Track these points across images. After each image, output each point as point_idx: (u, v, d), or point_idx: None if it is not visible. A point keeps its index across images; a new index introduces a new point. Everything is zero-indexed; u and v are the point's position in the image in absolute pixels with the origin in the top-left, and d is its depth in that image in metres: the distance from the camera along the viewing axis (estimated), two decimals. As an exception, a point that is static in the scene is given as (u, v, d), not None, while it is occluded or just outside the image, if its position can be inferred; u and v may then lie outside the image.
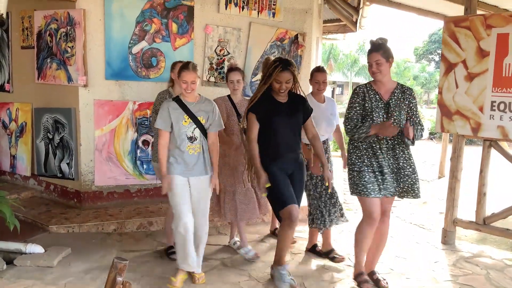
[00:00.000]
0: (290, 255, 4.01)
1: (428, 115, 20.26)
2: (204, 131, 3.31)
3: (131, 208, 4.92)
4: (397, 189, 3.26)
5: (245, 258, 3.91)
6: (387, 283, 3.41)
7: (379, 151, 3.22)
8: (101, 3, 4.65)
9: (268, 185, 3.12)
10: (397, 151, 3.25)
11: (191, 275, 3.42)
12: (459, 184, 4.46)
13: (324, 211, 3.87)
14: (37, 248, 3.78)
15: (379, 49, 3.18)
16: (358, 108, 3.25)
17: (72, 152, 4.89)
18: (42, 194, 5.36)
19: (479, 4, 4.52)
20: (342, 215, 3.98)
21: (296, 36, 5.50)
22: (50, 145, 5.12)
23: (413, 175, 3.26)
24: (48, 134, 5.12)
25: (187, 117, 3.25)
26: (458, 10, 4.73)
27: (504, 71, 3.90)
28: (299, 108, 3.33)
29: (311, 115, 3.45)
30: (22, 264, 3.60)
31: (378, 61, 3.16)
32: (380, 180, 3.22)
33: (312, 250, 4.08)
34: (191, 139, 3.25)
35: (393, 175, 3.25)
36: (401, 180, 3.25)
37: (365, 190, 3.19)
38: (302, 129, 3.42)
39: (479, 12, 4.42)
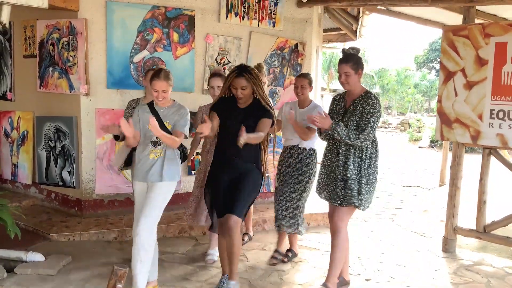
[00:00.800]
0: (291, 264, 4.01)
1: (429, 123, 20.31)
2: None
3: (131, 216, 4.88)
4: (332, 195, 3.32)
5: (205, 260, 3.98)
6: None
7: (331, 154, 3.35)
8: (103, 12, 4.70)
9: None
10: (347, 160, 3.26)
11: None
12: (459, 192, 4.47)
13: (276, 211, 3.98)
14: (37, 256, 3.78)
15: (348, 60, 3.22)
16: (329, 113, 3.39)
17: (73, 161, 4.91)
18: (43, 202, 5.37)
19: (477, 13, 4.55)
20: (293, 224, 3.91)
21: (296, 45, 5.54)
22: (51, 153, 5.14)
23: (340, 183, 3.25)
24: (50, 142, 5.14)
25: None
26: (456, 19, 4.77)
27: (503, 79, 3.93)
28: (255, 115, 3.29)
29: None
30: (23, 272, 3.60)
31: (347, 72, 3.22)
32: (323, 183, 3.41)
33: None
34: (155, 143, 3.21)
35: (332, 181, 3.31)
36: (343, 189, 3.25)
37: (316, 187, 3.50)
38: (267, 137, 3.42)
39: (477, 21, 4.46)
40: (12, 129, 5.63)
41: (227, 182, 3.30)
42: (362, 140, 3.16)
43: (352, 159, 3.23)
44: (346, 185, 3.22)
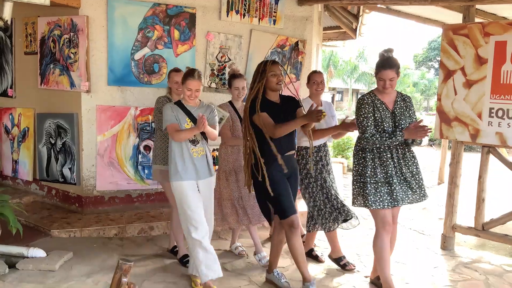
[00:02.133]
0: (290, 260, 4.03)
1: (428, 122, 20.32)
2: (205, 135, 3.35)
3: (132, 213, 4.95)
4: (407, 197, 3.27)
5: (260, 265, 3.91)
6: None
7: (390, 160, 3.22)
8: (104, 10, 4.71)
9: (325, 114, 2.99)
10: (408, 158, 3.29)
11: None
12: (458, 190, 4.49)
13: (317, 213, 3.86)
14: (39, 252, 3.80)
15: (393, 66, 3.18)
16: (372, 117, 3.23)
17: (74, 157, 4.93)
18: (44, 198, 5.38)
19: (477, 12, 4.58)
20: (344, 216, 3.84)
21: (297, 43, 5.56)
22: (52, 150, 5.16)
23: (420, 181, 3.32)
24: (51, 139, 5.15)
25: (189, 120, 3.29)
26: (456, 18, 4.78)
27: (502, 78, 3.95)
28: (292, 107, 3.39)
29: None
30: (24, 267, 3.62)
31: (393, 78, 3.19)
32: (386, 191, 3.21)
33: (309, 254, 4.07)
34: (194, 142, 3.29)
35: (403, 184, 3.26)
36: (412, 186, 3.28)
37: (366, 201, 3.21)
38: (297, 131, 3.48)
39: (477, 20, 4.48)
40: (13, 126, 5.64)
41: (286, 181, 3.32)
42: None
43: (415, 157, 3.34)
44: (423, 180, 3.34)
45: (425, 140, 16.93)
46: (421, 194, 3.32)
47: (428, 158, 12.25)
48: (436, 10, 5.21)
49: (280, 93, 3.43)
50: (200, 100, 3.41)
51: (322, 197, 3.86)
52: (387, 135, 3.16)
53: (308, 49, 5.66)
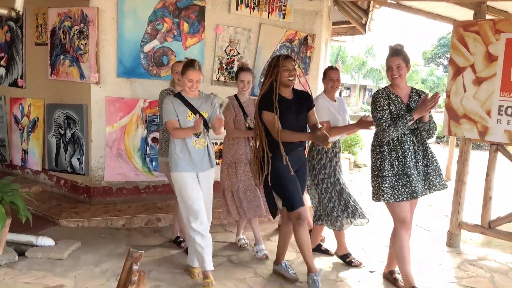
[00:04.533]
0: (296, 254, 4.06)
1: (435, 119, 20.22)
2: (207, 125, 3.36)
3: (139, 204, 4.99)
4: (425, 187, 3.33)
5: (257, 257, 3.96)
6: (402, 281, 3.43)
7: (407, 151, 3.24)
8: (115, 2, 4.73)
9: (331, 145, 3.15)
10: (422, 150, 3.33)
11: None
12: (465, 187, 4.49)
13: (329, 210, 3.84)
14: (47, 241, 3.86)
15: (400, 53, 3.25)
16: (388, 111, 3.25)
17: (83, 148, 4.98)
18: (52, 188, 5.45)
19: (488, 9, 4.54)
20: (357, 216, 3.82)
21: (306, 38, 5.55)
22: (61, 140, 5.21)
23: (438, 170, 3.35)
24: (60, 129, 5.20)
25: (191, 112, 3.29)
26: (467, 14, 4.76)
27: (512, 76, 3.93)
28: (304, 104, 3.39)
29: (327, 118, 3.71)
30: (33, 256, 3.68)
31: (399, 65, 3.23)
32: (404, 183, 3.22)
33: (317, 249, 4.11)
34: (196, 134, 3.29)
35: (420, 174, 3.30)
36: (429, 176, 3.32)
37: (385, 195, 3.23)
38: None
39: (488, 17, 4.45)
40: (22, 116, 5.70)
41: (295, 174, 3.31)
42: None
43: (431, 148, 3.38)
44: (441, 170, 3.37)
45: (433, 137, 16.85)
46: (434, 184, 3.33)
47: (436, 155, 12.20)
48: (447, 6, 5.18)
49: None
50: (199, 91, 3.39)
51: (335, 194, 3.83)
52: (399, 121, 3.18)
53: (317, 43, 5.65)
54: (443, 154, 9.01)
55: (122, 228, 4.51)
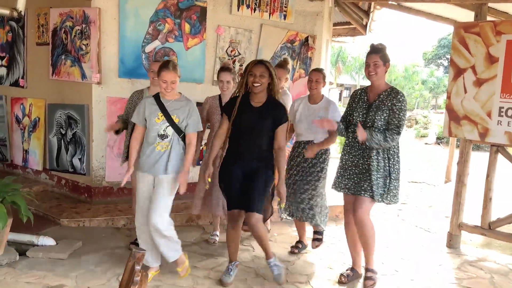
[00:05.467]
0: (297, 254, 4.08)
1: (436, 120, 20.26)
2: (178, 130, 3.27)
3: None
4: (351, 188, 3.40)
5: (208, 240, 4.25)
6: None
7: (353, 149, 3.40)
8: (116, 2, 4.74)
9: (209, 180, 3.39)
10: (371, 154, 3.32)
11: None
12: (465, 188, 4.49)
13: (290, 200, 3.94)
14: (48, 241, 3.86)
15: (378, 51, 3.30)
16: (348, 109, 3.50)
17: (84, 148, 4.98)
18: (53, 188, 5.45)
19: (489, 10, 4.55)
20: (313, 217, 3.92)
21: (307, 39, 5.56)
22: (62, 140, 5.22)
23: (381, 180, 3.32)
24: (61, 129, 5.21)
25: (161, 114, 3.24)
26: (468, 16, 4.77)
27: (513, 78, 3.94)
28: (270, 114, 3.28)
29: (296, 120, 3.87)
30: (34, 255, 3.68)
31: (376, 62, 3.28)
32: (342, 177, 3.48)
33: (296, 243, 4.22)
34: (162, 136, 3.25)
35: (357, 174, 3.38)
36: (367, 181, 3.33)
37: (333, 183, 3.56)
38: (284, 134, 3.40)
39: (489, 18, 4.46)
40: (24, 116, 5.70)
41: (240, 176, 3.32)
42: (397, 140, 3.27)
43: (381, 155, 3.33)
44: (388, 182, 3.35)
45: (433, 138, 16.82)
46: (385, 199, 3.37)
47: (436, 156, 12.22)
48: (447, 7, 5.19)
49: (278, 97, 3.34)
50: (180, 93, 3.36)
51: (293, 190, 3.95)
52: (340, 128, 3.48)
53: (318, 44, 5.66)
54: (443, 155, 9.02)
55: (123, 228, 4.52)
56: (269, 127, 3.30)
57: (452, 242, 4.52)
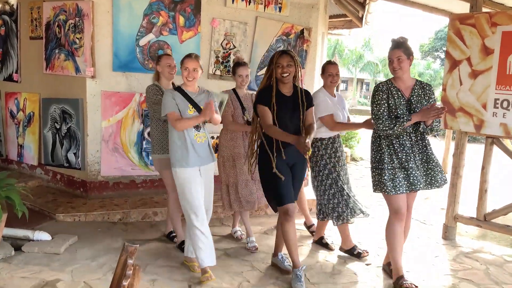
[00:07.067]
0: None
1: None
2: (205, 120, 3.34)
3: (136, 198, 4.99)
4: (422, 182, 3.32)
5: (246, 247, 4.01)
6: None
7: (401, 147, 3.26)
8: (110, -5, 4.70)
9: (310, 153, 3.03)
10: (421, 146, 3.33)
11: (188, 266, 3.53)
12: (461, 180, 4.50)
13: (333, 206, 3.86)
14: (44, 236, 3.85)
15: (400, 46, 3.24)
16: (385, 105, 3.27)
17: (79, 142, 4.96)
18: (48, 183, 5.44)
19: (484, 1, 4.53)
20: (358, 212, 3.87)
21: (302, 31, 5.54)
22: (57, 135, 5.19)
23: (437, 167, 3.35)
24: (56, 124, 5.18)
25: (191, 106, 3.28)
26: (463, 7, 4.75)
27: (508, 69, 3.94)
28: (303, 104, 3.34)
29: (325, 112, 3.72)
30: (30, 250, 3.68)
31: (400, 57, 3.22)
32: (403, 176, 3.25)
33: (319, 242, 4.16)
34: (197, 127, 3.29)
35: (420, 169, 3.31)
36: (430, 171, 3.33)
37: (385, 187, 3.25)
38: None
39: (484, 9, 4.44)
40: (18, 110, 5.67)
41: (288, 169, 3.33)
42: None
43: (431, 147, 3.38)
44: (440, 168, 3.37)
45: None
46: (435, 180, 3.34)
47: (432, 148, 12.23)
48: (443, -1, 5.17)
49: (299, 85, 3.37)
50: (198, 87, 3.40)
51: (337, 190, 3.85)
52: (395, 120, 3.19)
53: (313, 37, 5.64)
54: (439, 147, 9.04)
55: (119, 222, 4.51)
56: (302, 114, 3.33)
57: (448, 234, 4.54)
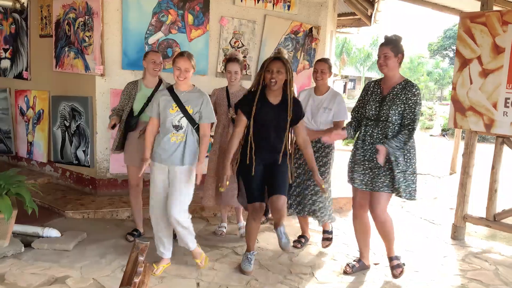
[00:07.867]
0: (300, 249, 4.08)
1: (441, 112, 20.14)
2: (192, 121, 3.26)
3: (144, 196, 4.97)
4: (368, 184, 3.33)
5: (215, 232, 4.28)
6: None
7: (365, 144, 3.34)
8: (119, -7, 4.72)
9: (226, 186, 3.28)
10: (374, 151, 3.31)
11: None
12: (470, 180, 4.47)
13: (297, 198, 3.91)
14: (53, 232, 3.88)
15: (389, 43, 3.24)
16: (360, 101, 3.45)
17: (88, 140, 4.99)
18: (58, 180, 5.47)
19: (495, 0, 4.49)
20: (322, 214, 3.89)
21: (311, 29, 5.52)
22: (66, 132, 5.23)
23: (401, 174, 3.26)
24: (65, 121, 5.22)
25: (175, 105, 3.23)
26: (474, 6, 4.70)
27: (519, 68, 3.89)
28: (289, 112, 3.26)
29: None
30: (40, 247, 3.70)
31: (386, 54, 3.22)
32: (355, 172, 3.40)
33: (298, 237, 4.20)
34: (176, 127, 3.24)
35: (371, 169, 3.31)
36: (387, 176, 3.27)
37: (348, 178, 3.50)
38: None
39: (495, 8, 4.40)
40: (28, 108, 5.71)
41: (261, 169, 3.34)
42: (413, 136, 3.23)
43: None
44: (391, 173, 3.26)
45: (438, 129, 16.71)
46: (402, 193, 3.31)
47: (441, 148, 12.16)
48: (453, -3, 5.13)
49: (293, 94, 3.32)
50: (193, 85, 3.36)
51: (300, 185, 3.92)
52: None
53: (322, 35, 5.62)
54: (448, 146, 8.98)
55: (127, 220, 4.53)
56: (288, 124, 3.30)
57: (457, 234, 4.51)
